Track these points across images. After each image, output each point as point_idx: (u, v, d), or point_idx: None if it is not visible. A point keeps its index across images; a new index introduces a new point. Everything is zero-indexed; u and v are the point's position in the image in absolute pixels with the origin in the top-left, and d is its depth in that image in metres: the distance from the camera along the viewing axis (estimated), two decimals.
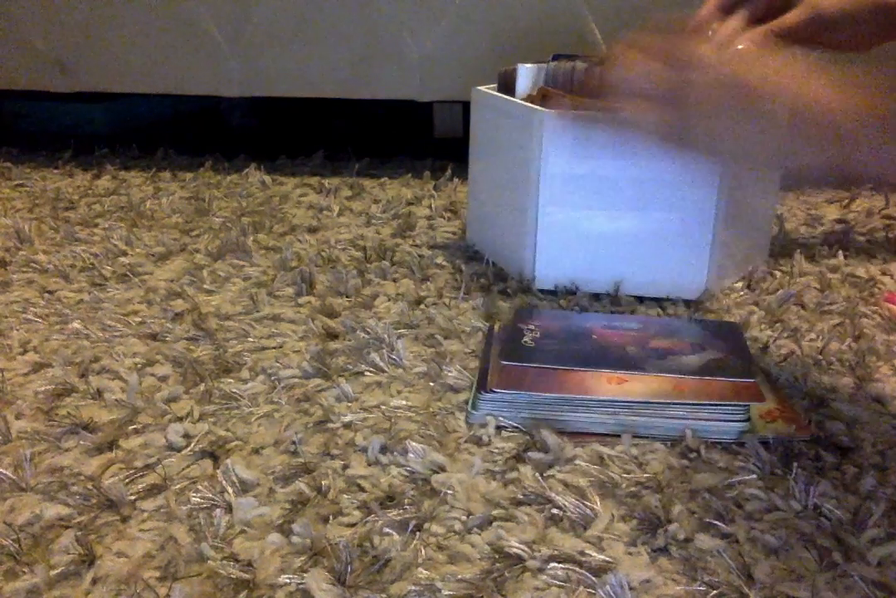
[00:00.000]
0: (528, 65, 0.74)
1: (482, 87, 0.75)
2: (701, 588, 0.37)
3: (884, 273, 0.73)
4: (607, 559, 0.38)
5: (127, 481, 0.45)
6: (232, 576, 0.38)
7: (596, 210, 0.66)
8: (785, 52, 0.52)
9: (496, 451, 0.47)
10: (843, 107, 0.45)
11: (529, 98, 0.70)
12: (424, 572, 0.38)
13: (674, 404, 0.48)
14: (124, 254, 0.79)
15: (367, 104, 1.11)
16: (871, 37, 0.59)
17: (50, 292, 0.70)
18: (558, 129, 0.64)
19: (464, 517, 0.41)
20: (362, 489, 0.44)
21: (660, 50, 0.51)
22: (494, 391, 0.50)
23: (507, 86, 0.75)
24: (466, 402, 0.52)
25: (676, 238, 0.66)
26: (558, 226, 0.67)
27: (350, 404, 0.52)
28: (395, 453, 0.46)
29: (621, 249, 0.67)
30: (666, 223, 0.66)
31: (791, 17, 0.60)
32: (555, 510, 0.42)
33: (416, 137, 1.35)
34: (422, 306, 0.67)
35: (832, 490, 0.43)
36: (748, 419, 0.48)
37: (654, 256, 0.67)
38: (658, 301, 0.67)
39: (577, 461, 0.46)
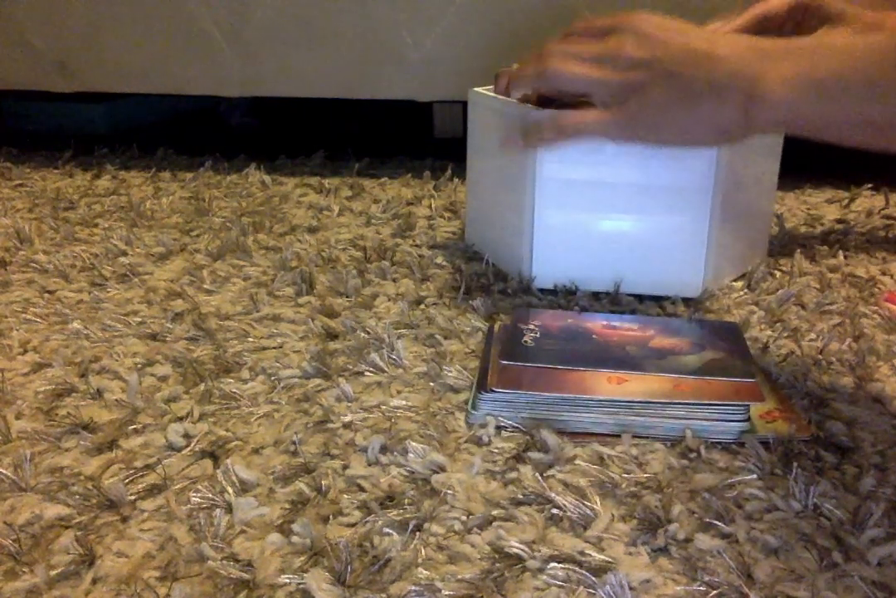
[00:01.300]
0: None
1: (479, 89, 0.75)
2: (701, 588, 0.37)
3: (884, 273, 0.73)
4: (607, 559, 0.38)
5: (127, 481, 0.45)
6: (232, 576, 0.38)
7: (593, 210, 0.66)
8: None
9: (496, 451, 0.47)
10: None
11: (525, 98, 0.70)
12: (424, 572, 0.38)
13: (674, 404, 0.48)
14: (124, 254, 0.79)
15: (367, 104, 1.11)
16: None
17: (50, 292, 0.70)
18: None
19: (464, 517, 0.41)
20: (362, 489, 0.44)
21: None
22: (494, 391, 0.50)
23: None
24: (466, 402, 0.52)
25: (674, 238, 0.66)
26: (555, 226, 0.67)
27: (350, 404, 0.52)
28: (395, 453, 0.46)
29: (619, 248, 0.67)
30: (663, 223, 0.66)
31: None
32: (555, 510, 0.42)
33: (416, 137, 1.35)
34: (422, 306, 0.67)
35: (832, 490, 0.43)
36: (748, 419, 0.48)
37: (652, 255, 0.67)
38: (658, 301, 0.67)
39: (577, 461, 0.46)
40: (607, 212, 0.66)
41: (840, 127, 0.48)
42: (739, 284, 0.71)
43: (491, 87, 0.76)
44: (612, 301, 0.67)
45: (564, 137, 0.58)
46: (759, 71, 0.48)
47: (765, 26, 0.63)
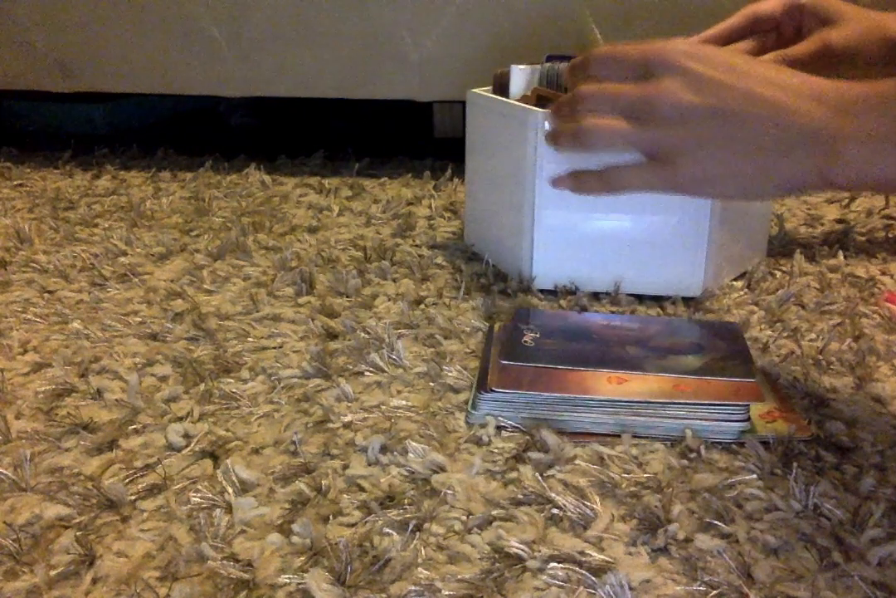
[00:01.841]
0: (522, 66, 0.74)
1: (477, 90, 0.75)
2: (701, 588, 0.37)
3: (884, 273, 0.73)
4: (607, 559, 0.38)
5: (127, 481, 0.45)
6: (232, 576, 0.38)
7: (592, 210, 0.66)
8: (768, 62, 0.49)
9: (496, 451, 0.47)
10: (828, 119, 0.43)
11: (524, 99, 0.70)
12: (424, 572, 0.38)
13: (674, 404, 0.48)
14: (124, 254, 0.79)
15: (367, 104, 1.11)
16: (879, 69, 0.57)
17: (50, 292, 0.70)
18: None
19: (464, 517, 0.41)
20: (362, 489, 0.44)
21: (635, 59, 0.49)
22: (494, 391, 0.50)
23: (502, 87, 0.75)
24: (466, 402, 0.52)
25: (674, 237, 0.66)
26: (555, 226, 0.67)
27: (350, 404, 0.52)
28: (395, 453, 0.46)
29: (619, 248, 0.67)
30: (663, 223, 0.66)
31: (800, 48, 0.59)
32: (555, 510, 0.42)
33: (416, 137, 1.35)
34: (422, 306, 0.67)
35: (832, 490, 0.43)
36: (748, 419, 0.48)
37: (651, 255, 0.67)
38: (658, 301, 0.67)
39: (577, 461, 0.46)
40: (607, 212, 0.66)
41: None
42: (739, 284, 0.71)
43: (489, 87, 0.76)
44: (612, 301, 0.67)
45: (611, 191, 0.53)
46: (837, 129, 0.43)
47: (758, 27, 0.61)
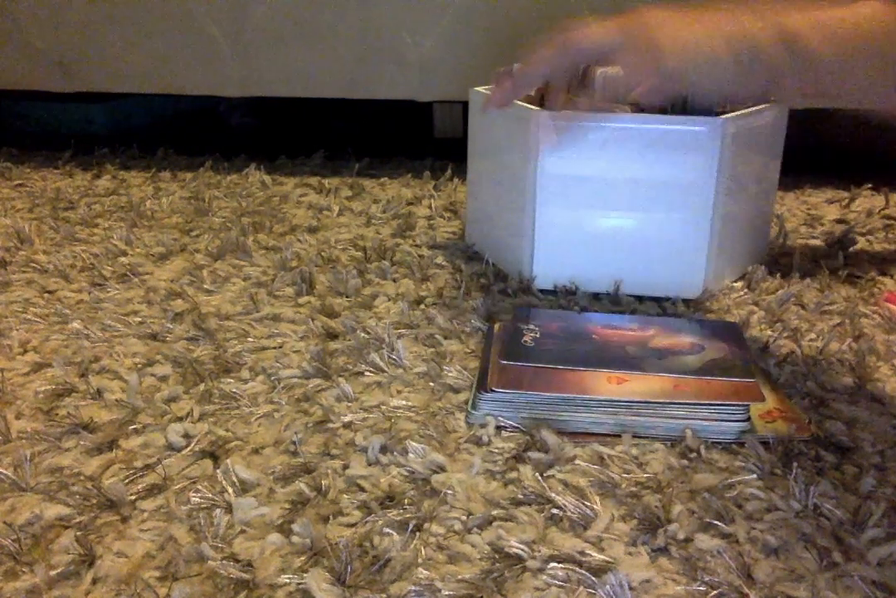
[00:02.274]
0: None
1: (480, 88, 0.75)
2: (701, 588, 0.37)
3: (884, 273, 0.73)
4: (607, 559, 0.38)
5: (127, 481, 0.45)
6: (232, 576, 0.38)
7: (593, 209, 0.66)
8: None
9: (496, 451, 0.47)
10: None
11: (527, 98, 0.70)
12: (424, 572, 0.38)
13: (674, 404, 0.48)
14: (124, 254, 0.79)
15: (367, 104, 1.11)
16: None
17: (50, 292, 0.70)
18: (555, 128, 0.64)
19: (464, 517, 0.41)
20: (362, 489, 0.44)
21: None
22: (494, 391, 0.50)
23: None
24: (466, 402, 0.52)
25: (674, 238, 0.66)
26: (555, 225, 0.67)
27: (350, 404, 0.52)
28: (395, 453, 0.46)
29: (619, 248, 0.67)
30: (664, 223, 0.66)
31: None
32: (555, 510, 0.42)
33: (416, 137, 1.35)
34: (422, 306, 0.67)
35: (832, 490, 0.43)
36: (748, 419, 0.48)
37: (652, 255, 0.67)
38: (658, 301, 0.67)
39: (577, 461, 0.46)
40: (607, 211, 0.66)
41: (877, 83, 0.48)
42: (739, 284, 0.71)
43: (491, 87, 0.76)
44: (612, 301, 0.67)
45: (530, 80, 0.60)
46: (792, 13, 0.49)
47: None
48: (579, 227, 0.67)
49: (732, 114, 0.64)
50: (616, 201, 0.65)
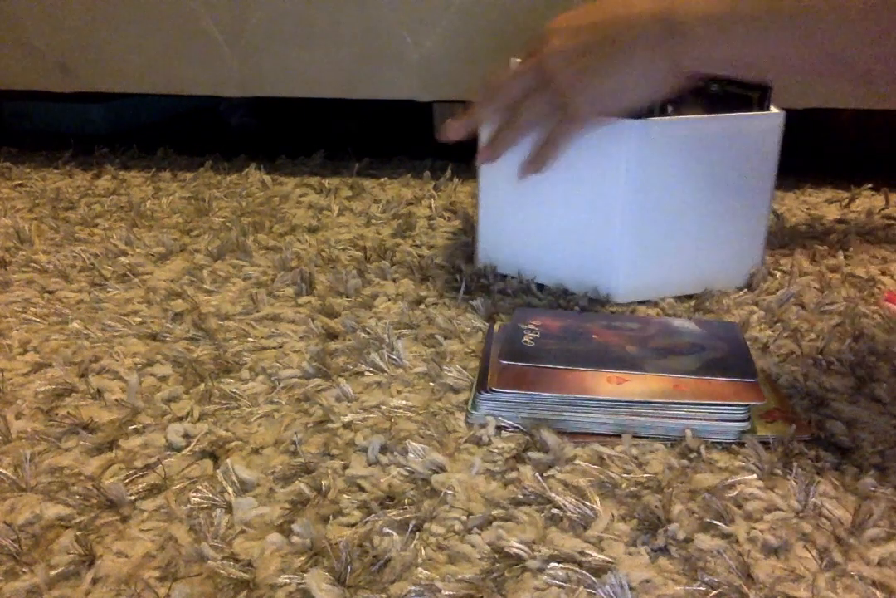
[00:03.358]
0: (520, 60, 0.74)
1: None
2: (701, 588, 0.37)
3: (884, 273, 0.73)
4: (607, 559, 0.38)
5: (127, 481, 0.45)
6: (232, 576, 0.38)
7: (537, 209, 0.67)
8: None
9: (496, 451, 0.47)
10: None
11: None
12: (424, 572, 0.38)
13: (674, 404, 0.48)
14: (124, 254, 0.79)
15: (367, 104, 1.11)
16: None
17: (50, 292, 0.70)
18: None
19: (464, 517, 0.41)
20: (362, 489, 0.44)
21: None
22: (494, 391, 0.50)
23: None
24: (466, 402, 0.52)
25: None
26: (501, 223, 0.68)
27: (350, 404, 0.52)
28: (395, 453, 0.46)
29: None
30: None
31: None
32: (555, 510, 0.42)
33: (416, 137, 1.35)
34: (422, 306, 0.67)
35: (832, 490, 0.43)
36: (748, 419, 0.48)
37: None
38: (658, 301, 0.67)
39: (577, 461, 0.46)
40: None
41: (753, 51, 0.51)
42: (739, 284, 0.71)
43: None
44: (608, 302, 0.67)
45: (520, 129, 0.64)
46: (678, 12, 0.52)
47: None
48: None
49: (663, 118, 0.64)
50: (550, 198, 0.67)
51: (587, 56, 0.57)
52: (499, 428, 0.49)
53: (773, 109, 0.68)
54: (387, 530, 0.40)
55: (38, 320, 0.65)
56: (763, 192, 0.71)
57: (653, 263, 0.67)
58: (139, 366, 0.57)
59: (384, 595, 0.37)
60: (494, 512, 0.42)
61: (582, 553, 0.39)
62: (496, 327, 0.61)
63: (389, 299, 0.68)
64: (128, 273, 0.74)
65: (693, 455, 0.47)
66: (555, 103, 0.60)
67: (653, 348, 0.55)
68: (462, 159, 0.80)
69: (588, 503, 0.42)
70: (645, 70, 0.55)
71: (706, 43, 0.52)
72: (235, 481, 0.44)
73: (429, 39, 0.99)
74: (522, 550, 0.39)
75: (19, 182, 1.06)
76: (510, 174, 0.67)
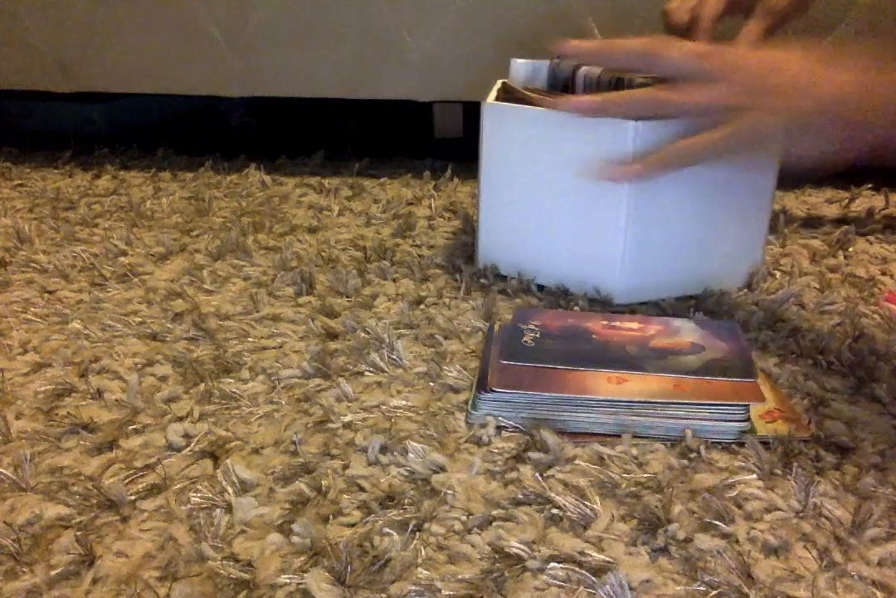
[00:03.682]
0: (522, 60, 0.74)
1: (493, 100, 0.72)
2: (701, 588, 0.37)
3: (884, 273, 0.73)
4: (607, 559, 0.38)
5: (127, 481, 0.45)
6: (232, 576, 0.38)
7: (536, 204, 0.66)
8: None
9: (496, 451, 0.47)
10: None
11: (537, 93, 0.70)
12: (424, 572, 0.38)
13: (674, 404, 0.48)
14: (124, 254, 0.79)
15: (367, 104, 1.11)
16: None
17: (50, 292, 0.70)
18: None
19: (464, 517, 0.41)
20: (362, 489, 0.44)
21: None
22: (494, 391, 0.50)
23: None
24: (466, 402, 0.52)
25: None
26: (499, 224, 0.67)
27: (350, 404, 0.52)
28: (395, 453, 0.46)
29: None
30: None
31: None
32: (555, 510, 0.42)
33: (416, 137, 1.35)
34: (422, 306, 0.67)
35: (832, 490, 0.43)
36: (748, 419, 0.48)
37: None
38: (658, 301, 0.67)
39: (577, 461, 0.46)
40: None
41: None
42: (739, 284, 0.71)
43: (497, 89, 0.75)
44: (608, 302, 0.67)
45: (689, 162, 0.60)
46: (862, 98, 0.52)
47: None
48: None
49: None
50: (550, 191, 0.67)
51: (787, 100, 0.54)
52: (499, 428, 0.49)
53: None
54: (387, 530, 0.40)
55: (38, 320, 0.65)
56: (764, 191, 0.71)
57: (654, 264, 0.67)
58: (139, 366, 0.57)
59: (384, 595, 0.37)
60: (494, 512, 0.42)
61: (582, 553, 0.39)
62: (496, 327, 0.61)
63: (389, 299, 0.68)
64: (128, 273, 0.74)
65: (693, 455, 0.47)
66: (730, 101, 0.55)
67: (653, 348, 0.55)
68: (462, 159, 0.80)
69: (588, 503, 0.42)
70: (824, 93, 0.53)
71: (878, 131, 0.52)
72: (235, 481, 0.44)
73: (429, 39, 0.99)
74: (522, 550, 0.39)
75: (19, 182, 1.06)
76: (511, 174, 0.67)
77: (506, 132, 0.69)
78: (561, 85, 0.72)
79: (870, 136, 0.53)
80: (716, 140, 0.56)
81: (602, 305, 0.66)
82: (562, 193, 0.66)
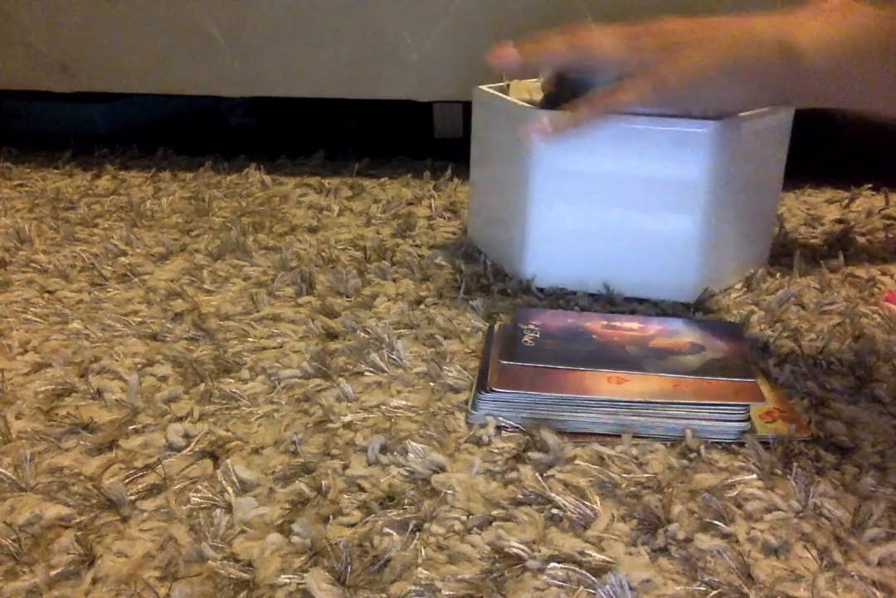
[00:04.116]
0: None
1: (485, 87, 0.74)
2: (701, 588, 0.37)
3: (884, 273, 0.73)
4: (607, 559, 0.38)
5: (127, 481, 0.45)
6: (232, 576, 0.38)
7: (589, 208, 0.66)
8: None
9: (496, 451, 0.47)
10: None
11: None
12: (424, 572, 0.38)
13: (674, 404, 0.48)
14: (124, 254, 0.79)
15: (367, 104, 1.11)
16: None
17: (50, 292, 0.70)
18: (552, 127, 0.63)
19: (464, 517, 0.41)
20: (362, 489, 0.44)
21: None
22: (494, 391, 0.50)
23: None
24: (466, 402, 0.52)
25: (675, 239, 0.66)
26: (550, 225, 0.67)
27: (350, 404, 0.52)
28: (395, 453, 0.46)
29: (617, 249, 0.67)
30: (664, 223, 0.65)
31: None
32: (555, 510, 0.42)
33: (416, 137, 1.35)
34: (422, 306, 0.67)
35: (832, 490, 0.43)
36: (748, 419, 0.48)
37: (652, 256, 0.66)
38: (658, 301, 0.67)
39: (577, 461, 0.46)
40: (607, 211, 0.66)
41: (872, 87, 0.49)
42: (739, 284, 0.71)
43: (496, 84, 0.76)
44: (612, 302, 0.67)
45: (600, 113, 0.58)
46: (792, 26, 0.50)
47: None
48: (577, 226, 0.67)
49: (734, 116, 0.64)
50: (615, 201, 0.65)
51: (701, 51, 0.53)
52: (499, 428, 0.49)
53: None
54: (387, 530, 0.40)
55: (38, 319, 0.65)
56: (773, 191, 0.71)
57: (719, 259, 0.67)
58: (139, 366, 0.57)
59: (384, 595, 0.37)
60: (494, 512, 0.42)
61: (582, 553, 0.39)
62: (496, 327, 0.61)
63: (389, 299, 0.68)
64: (128, 273, 0.74)
65: (693, 455, 0.47)
66: (649, 60, 0.55)
67: (653, 348, 0.55)
68: (462, 159, 0.80)
69: (588, 503, 0.42)
70: (747, 92, 0.53)
71: (826, 80, 0.49)
72: (235, 481, 0.44)
73: (429, 39, 0.99)
74: (522, 550, 0.39)
75: (19, 182, 1.06)
76: (564, 182, 0.67)
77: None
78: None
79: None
80: (643, 87, 0.55)
81: (603, 302, 0.67)
82: (630, 204, 0.66)
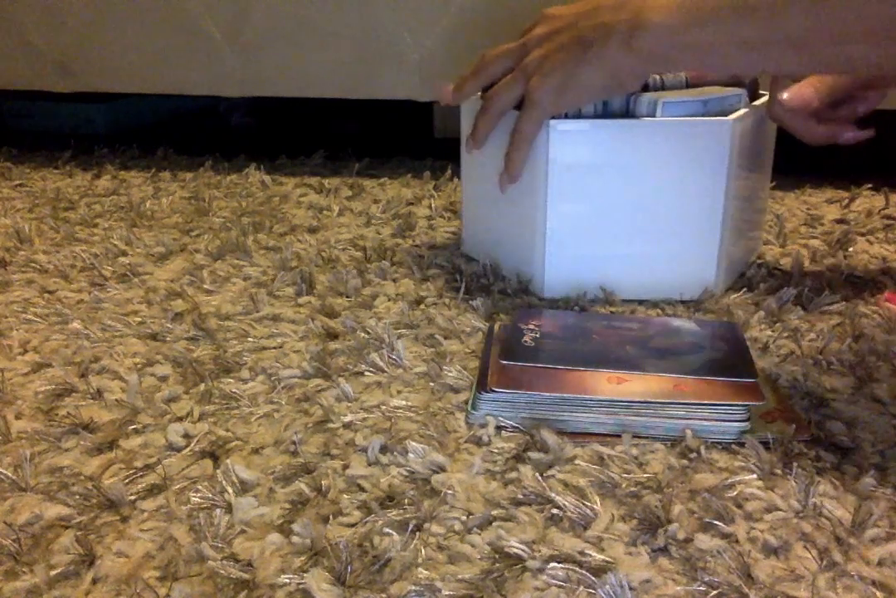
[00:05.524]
0: None
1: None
2: (701, 588, 0.37)
3: (884, 273, 0.73)
4: (607, 559, 0.38)
5: (127, 481, 0.45)
6: (232, 576, 0.38)
7: (600, 210, 0.66)
8: None
9: (496, 451, 0.47)
10: None
11: None
12: (424, 572, 0.38)
13: (674, 404, 0.48)
14: (124, 254, 0.79)
15: (367, 104, 1.12)
16: None
17: (50, 292, 0.70)
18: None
19: (464, 517, 0.41)
20: (362, 489, 0.44)
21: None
22: (494, 391, 0.50)
23: None
24: (466, 402, 0.52)
25: (678, 240, 0.66)
26: (562, 228, 0.66)
27: (350, 404, 0.52)
28: (395, 453, 0.46)
29: (618, 249, 0.67)
30: (665, 223, 0.65)
31: None
32: (555, 510, 0.42)
33: (416, 137, 1.35)
34: (422, 306, 0.67)
35: (832, 490, 0.43)
36: (748, 419, 0.48)
37: (652, 256, 0.66)
38: (658, 301, 0.67)
39: (577, 461, 0.46)
40: (613, 211, 0.66)
41: (720, 50, 0.53)
42: (739, 284, 0.71)
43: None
44: (612, 302, 0.67)
45: (492, 116, 0.65)
46: (639, 4, 0.55)
47: None
48: (585, 226, 0.66)
49: (738, 113, 0.64)
50: (622, 199, 0.65)
51: (562, 51, 0.59)
52: (499, 428, 0.49)
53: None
54: (387, 530, 0.40)
55: (38, 319, 0.65)
56: (765, 186, 0.71)
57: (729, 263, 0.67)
58: (139, 366, 0.57)
59: (384, 595, 0.37)
60: (494, 512, 0.42)
61: (582, 553, 0.39)
62: (496, 327, 0.61)
63: (389, 299, 0.68)
64: (128, 273, 0.74)
65: (693, 455, 0.47)
66: (522, 89, 0.62)
67: (653, 348, 0.55)
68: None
69: (588, 503, 0.42)
70: (610, 68, 0.58)
71: (670, 34, 0.54)
72: (235, 481, 0.44)
73: (429, 39, 0.99)
74: (522, 550, 0.39)
75: (19, 182, 1.06)
76: (582, 190, 0.66)
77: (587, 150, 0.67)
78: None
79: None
80: (510, 88, 0.63)
81: (602, 303, 0.66)
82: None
